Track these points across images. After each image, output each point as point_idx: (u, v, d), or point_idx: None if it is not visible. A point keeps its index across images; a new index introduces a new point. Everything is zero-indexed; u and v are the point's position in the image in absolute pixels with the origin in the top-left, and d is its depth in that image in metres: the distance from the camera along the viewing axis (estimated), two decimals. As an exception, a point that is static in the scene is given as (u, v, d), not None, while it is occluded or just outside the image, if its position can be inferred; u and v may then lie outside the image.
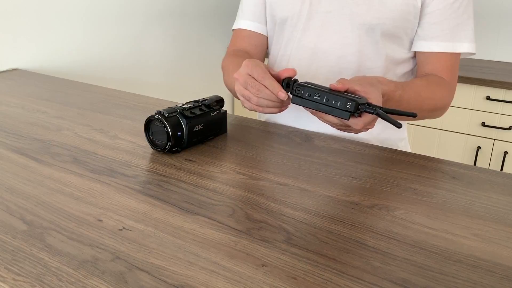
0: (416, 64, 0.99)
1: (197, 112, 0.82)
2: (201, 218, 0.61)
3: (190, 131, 0.80)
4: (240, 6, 1.10)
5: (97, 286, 0.47)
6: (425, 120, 2.14)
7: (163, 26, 2.15)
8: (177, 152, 0.80)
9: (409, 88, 0.87)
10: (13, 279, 0.48)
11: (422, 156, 0.82)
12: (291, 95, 0.77)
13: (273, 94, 0.75)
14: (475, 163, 2.11)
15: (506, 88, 1.96)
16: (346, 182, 0.71)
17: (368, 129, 0.75)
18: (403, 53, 0.95)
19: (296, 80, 0.77)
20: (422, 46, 0.93)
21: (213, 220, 0.60)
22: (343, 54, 0.93)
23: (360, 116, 0.71)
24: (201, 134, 0.83)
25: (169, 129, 0.77)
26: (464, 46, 0.92)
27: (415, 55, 0.97)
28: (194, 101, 0.84)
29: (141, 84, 2.07)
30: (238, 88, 0.80)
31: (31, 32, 1.57)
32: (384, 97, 0.79)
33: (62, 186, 0.68)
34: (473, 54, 0.94)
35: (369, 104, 0.71)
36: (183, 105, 0.82)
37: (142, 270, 0.50)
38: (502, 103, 2.00)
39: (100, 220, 0.60)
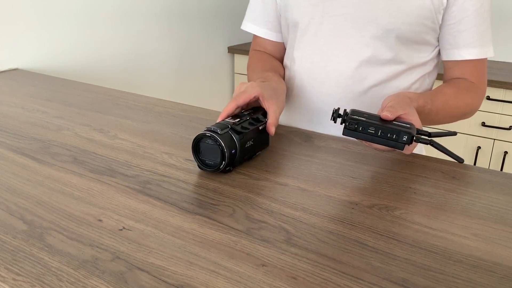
0: (433, 67, 0.99)
1: (248, 126, 0.75)
2: (201, 218, 0.61)
3: (242, 148, 0.73)
4: (250, 5, 1.09)
5: (97, 286, 0.47)
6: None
7: (163, 26, 2.15)
8: (229, 171, 0.74)
9: (437, 99, 0.88)
10: (13, 279, 0.48)
11: (422, 156, 0.82)
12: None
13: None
14: (475, 163, 2.11)
15: (506, 88, 1.97)
16: (346, 182, 0.71)
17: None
18: (418, 58, 0.94)
19: (346, 112, 0.76)
20: (454, 54, 0.92)
21: (213, 220, 0.60)
22: (355, 58, 0.92)
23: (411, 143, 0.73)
24: (251, 150, 0.76)
25: (224, 147, 0.70)
26: (491, 50, 0.92)
27: (431, 59, 0.96)
28: (240, 115, 0.78)
29: (141, 84, 2.07)
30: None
31: (31, 32, 1.57)
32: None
33: (62, 186, 0.68)
34: (492, 56, 0.94)
35: (419, 132, 0.74)
36: (229, 119, 0.76)
37: (142, 270, 0.50)
38: (502, 103, 2.00)
39: (100, 220, 0.60)
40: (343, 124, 0.76)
